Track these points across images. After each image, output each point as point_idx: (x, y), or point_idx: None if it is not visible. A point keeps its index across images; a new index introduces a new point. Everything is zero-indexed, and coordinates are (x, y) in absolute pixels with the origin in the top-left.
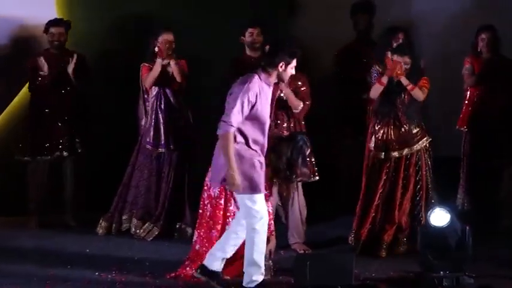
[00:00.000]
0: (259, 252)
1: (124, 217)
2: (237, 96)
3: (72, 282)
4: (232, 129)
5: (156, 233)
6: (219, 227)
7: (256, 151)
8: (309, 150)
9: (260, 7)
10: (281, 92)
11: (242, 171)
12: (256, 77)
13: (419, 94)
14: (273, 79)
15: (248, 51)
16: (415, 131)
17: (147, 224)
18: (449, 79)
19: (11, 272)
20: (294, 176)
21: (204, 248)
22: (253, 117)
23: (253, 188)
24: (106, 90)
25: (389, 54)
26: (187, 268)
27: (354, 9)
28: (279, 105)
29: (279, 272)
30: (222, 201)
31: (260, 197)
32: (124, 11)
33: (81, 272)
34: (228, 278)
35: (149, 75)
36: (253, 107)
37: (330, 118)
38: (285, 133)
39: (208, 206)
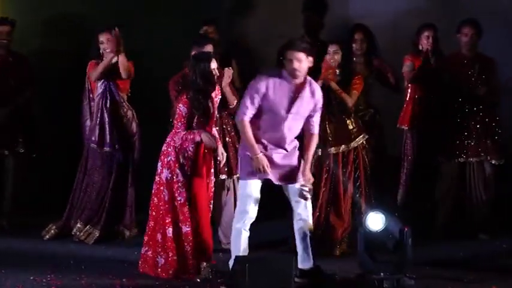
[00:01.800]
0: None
1: (72, 222)
2: (248, 87)
3: (6, 286)
4: (244, 118)
5: (97, 235)
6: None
7: (262, 144)
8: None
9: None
10: None
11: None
12: (279, 72)
13: (347, 99)
14: (287, 75)
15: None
16: (351, 127)
17: (87, 227)
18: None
19: None
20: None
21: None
22: (266, 110)
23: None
24: (48, 90)
25: (326, 57)
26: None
27: (304, 6)
28: None
29: (218, 274)
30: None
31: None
32: (60, 9)
33: (15, 275)
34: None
35: (97, 68)
36: (264, 98)
37: None
38: None
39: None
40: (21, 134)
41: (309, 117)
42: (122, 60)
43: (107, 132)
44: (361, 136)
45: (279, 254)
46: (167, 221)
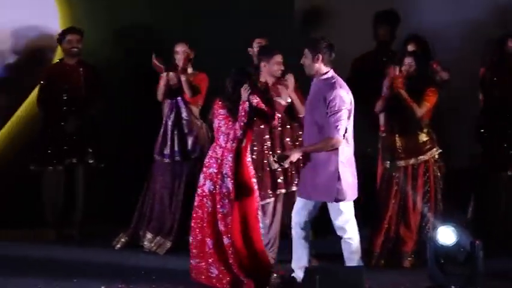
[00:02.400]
0: None
1: (141, 232)
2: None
3: None
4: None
5: (168, 246)
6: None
7: None
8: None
9: (267, 18)
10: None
11: None
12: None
13: (416, 109)
14: None
15: (256, 62)
16: (423, 140)
17: (158, 238)
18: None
19: (16, 284)
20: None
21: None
22: None
23: None
24: (117, 100)
25: (392, 68)
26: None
27: (376, 18)
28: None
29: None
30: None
31: None
32: (126, 22)
33: (86, 284)
34: None
35: (158, 90)
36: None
37: None
38: None
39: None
40: (91, 144)
41: None
42: (183, 81)
43: (168, 144)
44: (433, 149)
45: (350, 265)
46: (209, 232)
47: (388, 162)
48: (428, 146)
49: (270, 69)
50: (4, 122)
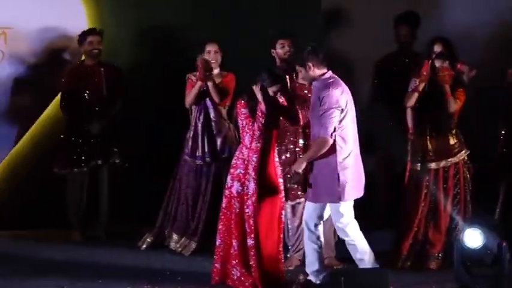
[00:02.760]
0: None
1: (167, 232)
2: None
3: None
4: None
5: (193, 247)
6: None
7: None
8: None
9: (294, 18)
10: None
11: None
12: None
13: (452, 104)
14: None
15: (278, 63)
16: (452, 142)
17: (183, 239)
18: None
19: (41, 285)
20: None
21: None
22: None
23: None
24: (143, 101)
25: (428, 62)
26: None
27: (396, 20)
28: None
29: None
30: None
31: None
32: (153, 21)
33: (112, 285)
34: None
35: (188, 96)
36: None
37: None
38: None
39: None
40: (115, 144)
41: None
42: (211, 87)
43: (199, 145)
44: (462, 152)
45: (374, 267)
46: (235, 234)
47: (419, 164)
48: (457, 148)
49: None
50: (28, 124)
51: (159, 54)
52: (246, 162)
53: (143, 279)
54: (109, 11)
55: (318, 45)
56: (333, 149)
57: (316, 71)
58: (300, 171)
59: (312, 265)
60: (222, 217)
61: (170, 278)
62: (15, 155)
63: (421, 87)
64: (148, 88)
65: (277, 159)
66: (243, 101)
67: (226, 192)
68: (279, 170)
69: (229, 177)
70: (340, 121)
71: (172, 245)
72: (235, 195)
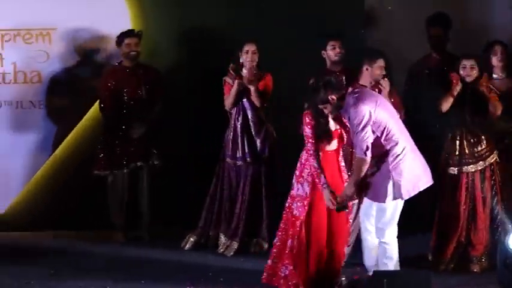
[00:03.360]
0: None
1: (211, 233)
2: None
3: None
4: None
5: (235, 247)
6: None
7: None
8: None
9: (336, 20)
10: None
11: None
12: None
13: (498, 106)
14: None
15: (329, 65)
16: (485, 144)
17: (225, 239)
18: None
19: (84, 285)
20: None
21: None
22: None
23: None
24: (183, 102)
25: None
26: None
27: (428, 22)
28: None
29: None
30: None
31: None
32: (195, 21)
33: (154, 285)
34: None
35: (228, 98)
36: None
37: None
38: None
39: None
40: (155, 145)
41: None
42: (253, 92)
43: (239, 146)
44: (495, 152)
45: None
46: (290, 233)
47: (456, 168)
48: (490, 149)
49: (372, 73)
50: (71, 126)
51: (199, 55)
52: (302, 166)
53: (185, 280)
54: (152, 11)
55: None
56: (384, 152)
57: (337, 98)
58: (351, 194)
59: (369, 260)
60: (284, 216)
61: (212, 279)
62: (58, 157)
63: (455, 93)
64: (188, 89)
65: (343, 163)
66: (308, 119)
67: (291, 192)
68: (345, 175)
69: (293, 179)
70: (377, 128)
71: (215, 245)
72: (295, 195)
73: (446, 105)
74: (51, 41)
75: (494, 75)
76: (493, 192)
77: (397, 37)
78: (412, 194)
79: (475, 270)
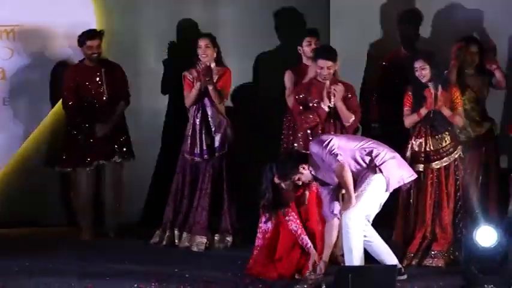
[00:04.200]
0: None
1: (175, 229)
2: None
3: None
4: None
5: (200, 243)
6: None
7: None
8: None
9: (302, 16)
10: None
11: None
12: None
13: (459, 121)
14: None
15: (305, 61)
16: (449, 140)
17: (189, 235)
18: None
19: (48, 283)
20: None
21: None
22: None
23: None
24: (147, 98)
25: (430, 92)
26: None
27: (400, 18)
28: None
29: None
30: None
31: None
32: (162, 19)
33: (119, 283)
34: None
35: (188, 97)
36: None
37: (368, 130)
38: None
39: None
40: (118, 143)
41: None
42: (211, 91)
43: (197, 142)
44: (458, 147)
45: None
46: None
47: (422, 165)
48: (454, 145)
49: (313, 71)
50: (37, 122)
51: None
52: None
53: (150, 277)
54: (117, 7)
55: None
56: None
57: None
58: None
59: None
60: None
61: (178, 275)
62: (23, 154)
63: (423, 113)
64: (154, 86)
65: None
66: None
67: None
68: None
69: None
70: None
71: (179, 241)
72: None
73: (410, 122)
74: (16, 38)
75: (466, 71)
76: (457, 187)
77: (363, 34)
78: (397, 186)
79: (440, 265)
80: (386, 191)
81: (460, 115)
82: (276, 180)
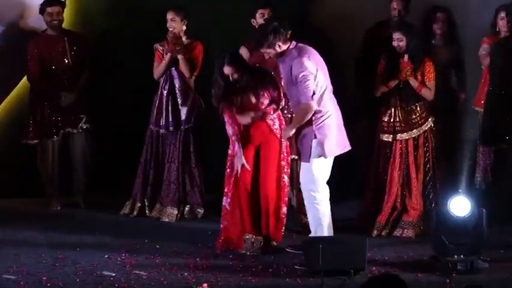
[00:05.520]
0: None
1: (145, 199)
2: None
3: (81, 265)
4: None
5: (171, 214)
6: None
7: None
8: None
9: None
10: None
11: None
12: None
13: (427, 94)
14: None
15: None
16: (420, 111)
17: (159, 206)
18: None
19: (17, 254)
20: None
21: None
22: None
23: None
24: (115, 69)
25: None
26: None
27: None
28: None
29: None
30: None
31: None
32: None
33: (90, 254)
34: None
35: (157, 69)
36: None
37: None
38: None
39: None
40: (84, 111)
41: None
42: (181, 62)
43: (163, 114)
44: (429, 119)
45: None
46: (225, 191)
47: (391, 136)
48: (424, 116)
49: None
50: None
51: (131, 23)
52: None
53: (121, 248)
54: None
55: (279, 21)
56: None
57: (283, 47)
58: (288, 137)
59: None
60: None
61: (148, 246)
62: None
63: (393, 84)
64: (119, 57)
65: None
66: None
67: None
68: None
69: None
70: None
71: (149, 212)
72: (230, 154)
73: (379, 92)
74: None
75: (434, 42)
76: (426, 159)
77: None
78: (335, 154)
79: (410, 235)
80: (323, 156)
81: (429, 88)
82: (226, 70)
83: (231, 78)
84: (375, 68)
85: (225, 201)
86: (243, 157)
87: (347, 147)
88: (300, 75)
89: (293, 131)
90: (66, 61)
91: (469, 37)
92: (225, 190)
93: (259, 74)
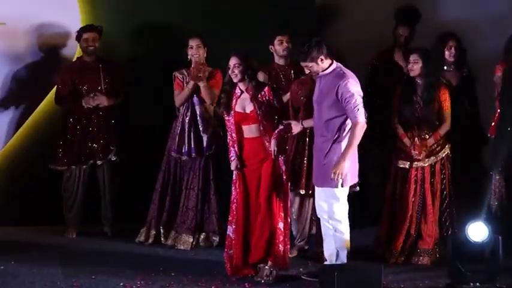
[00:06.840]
0: None
1: (161, 228)
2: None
3: None
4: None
5: (187, 241)
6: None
7: None
8: None
9: (289, 14)
10: None
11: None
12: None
13: (445, 128)
14: None
15: (277, 60)
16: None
17: (174, 233)
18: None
19: (33, 281)
20: None
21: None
22: None
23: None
24: (139, 97)
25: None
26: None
27: (397, 16)
28: None
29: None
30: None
31: None
32: (148, 17)
33: (105, 281)
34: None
35: (179, 96)
36: None
37: None
38: None
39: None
40: (114, 142)
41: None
42: (203, 89)
43: (186, 141)
44: (446, 146)
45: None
46: (229, 219)
47: (408, 163)
48: (441, 144)
49: None
50: (22, 120)
51: (154, 50)
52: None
53: (136, 275)
54: (104, 7)
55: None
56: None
57: (325, 62)
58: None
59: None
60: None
61: (163, 273)
62: (10, 151)
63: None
64: (143, 84)
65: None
66: None
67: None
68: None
69: None
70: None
71: (165, 240)
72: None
73: (398, 132)
74: (0, 37)
75: (445, 67)
76: (443, 186)
77: (351, 31)
78: (354, 182)
79: (425, 263)
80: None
81: (446, 120)
82: (231, 61)
83: (231, 70)
84: (383, 97)
85: (229, 230)
86: (236, 161)
87: (356, 179)
88: (355, 94)
89: (344, 161)
90: (99, 88)
91: (480, 62)
92: (229, 218)
93: (263, 85)
